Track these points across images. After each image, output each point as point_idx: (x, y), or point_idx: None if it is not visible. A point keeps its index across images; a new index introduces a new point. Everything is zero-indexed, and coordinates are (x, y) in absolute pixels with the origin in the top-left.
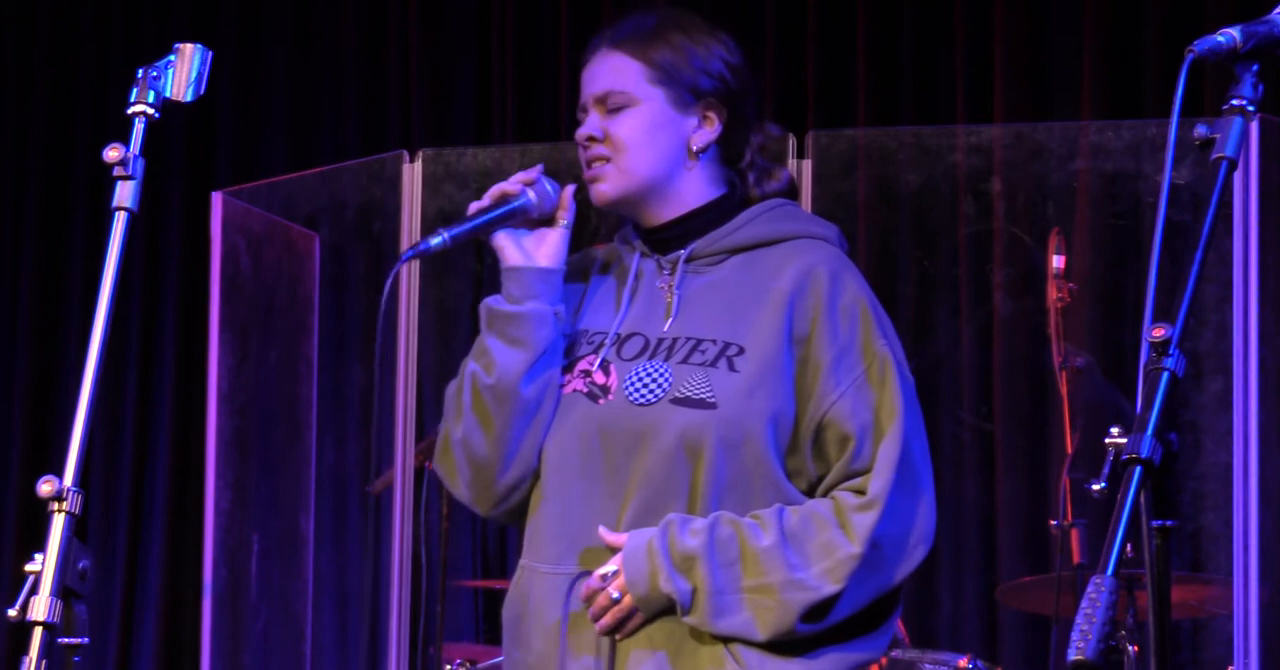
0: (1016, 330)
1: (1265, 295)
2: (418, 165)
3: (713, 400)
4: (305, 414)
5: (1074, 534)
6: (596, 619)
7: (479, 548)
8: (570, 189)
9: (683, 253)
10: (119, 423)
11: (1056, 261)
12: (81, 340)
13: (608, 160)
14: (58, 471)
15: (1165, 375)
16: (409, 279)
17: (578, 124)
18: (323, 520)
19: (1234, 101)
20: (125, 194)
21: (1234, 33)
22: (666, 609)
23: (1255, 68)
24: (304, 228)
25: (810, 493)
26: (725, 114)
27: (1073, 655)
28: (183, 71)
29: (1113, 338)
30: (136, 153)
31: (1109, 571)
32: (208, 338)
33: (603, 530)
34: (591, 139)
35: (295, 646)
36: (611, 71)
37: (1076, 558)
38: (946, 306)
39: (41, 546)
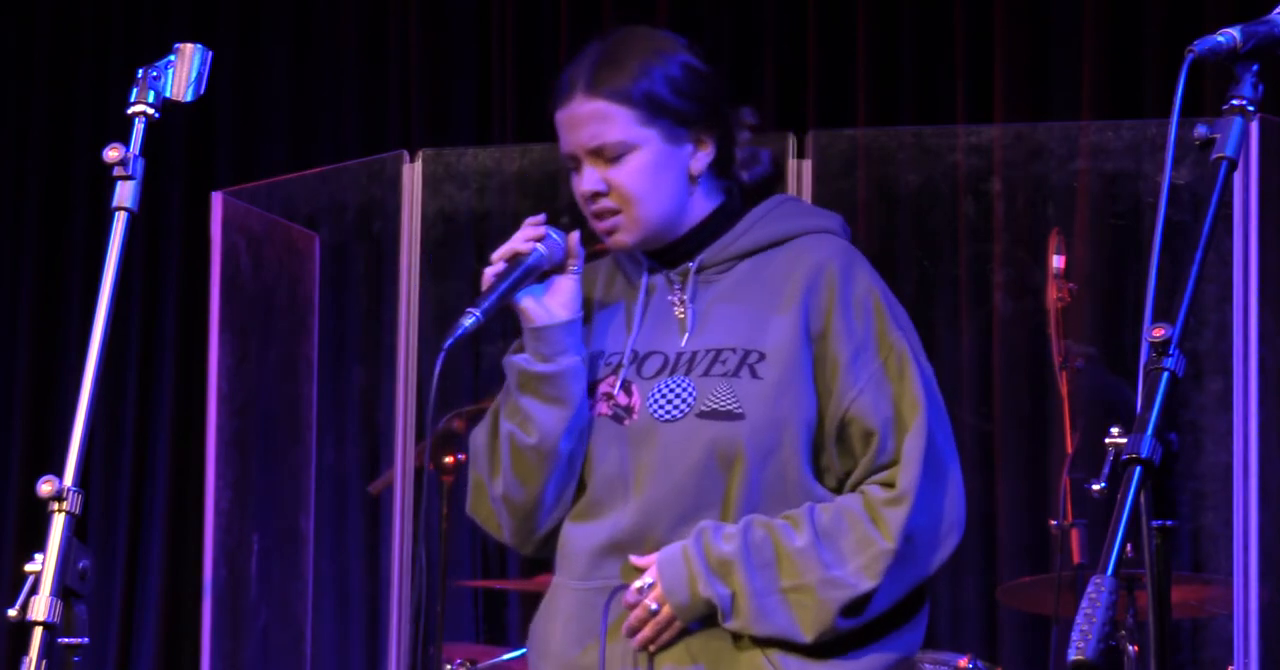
0: (1016, 330)
1: (1265, 295)
2: (418, 165)
3: (740, 410)
4: (305, 414)
5: (1074, 534)
6: (633, 633)
7: (479, 548)
8: (576, 235)
9: (692, 265)
10: (119, 423)
11: (1056, 261)
12: (81, 340)
13: (617, 212)
14: (58, 471)
15: (1165, 375)
16: (409, 279)
17: (566, 171)
18: (323, 520)
19: (1234, 101)
20: (125, 194)
21: (1234, 33)
22: (705, 617)
23: (1255, 68)
24: (304, 228)
25: (839, 489)
26: (716, 133)
27: (1073, 655)
28: (183, 71)
29: (1113, 338)
30: (136, 153)
31: (1109, 571)
32: (208, 338)
33: (633, 557)
34: (597, 195)
35: (295, 646)
36: (598, 121)
37: (1076, 558)
38: (946, 306)
39: (41, 546)
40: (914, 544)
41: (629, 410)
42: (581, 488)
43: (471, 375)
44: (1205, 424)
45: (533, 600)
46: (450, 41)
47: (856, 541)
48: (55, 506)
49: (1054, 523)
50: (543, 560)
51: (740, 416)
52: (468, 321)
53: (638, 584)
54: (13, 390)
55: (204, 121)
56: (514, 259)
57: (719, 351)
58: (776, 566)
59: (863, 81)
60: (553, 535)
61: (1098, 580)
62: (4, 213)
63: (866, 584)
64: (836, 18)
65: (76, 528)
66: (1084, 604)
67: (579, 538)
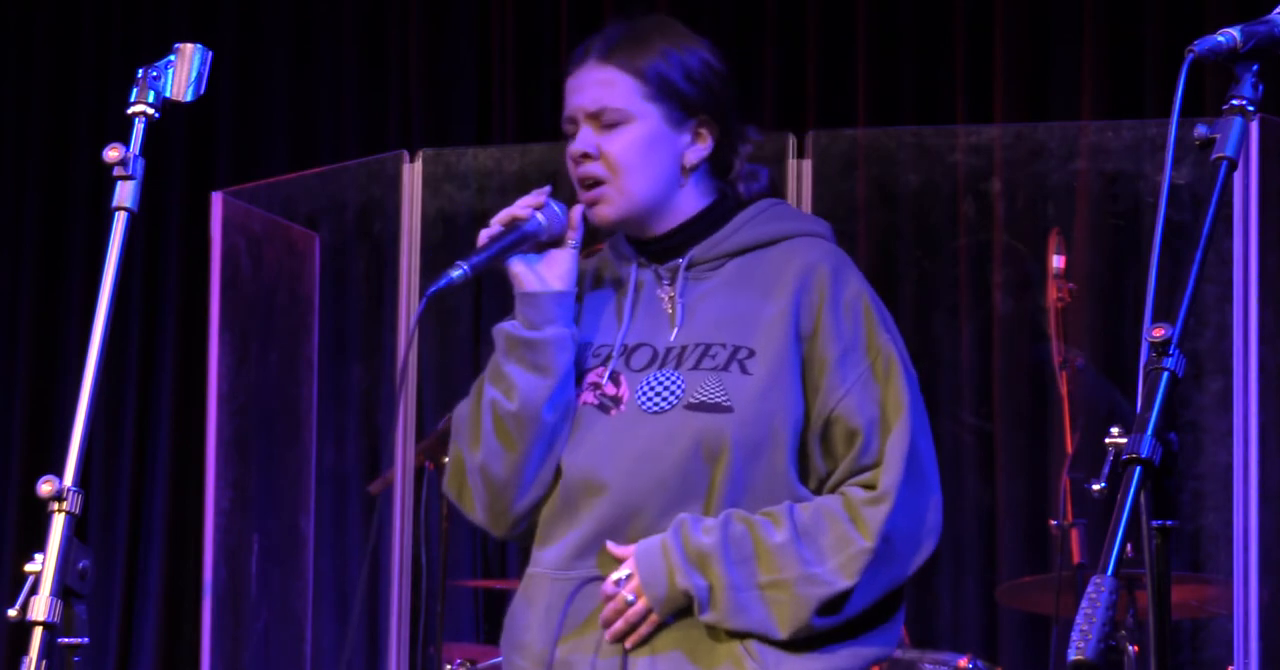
0: (1016, 330)
1: (1265, 295)
2: (418, 165)
3: (728, 404)
4: (305, 414)
5: (1074, 534)
6: (608, 625)
7: (479, 548)
8: (578, 209)
9: (682, 261)
10: (119, 423)
11: (1056, 261)
12: (81, 340)
13: (603, 182)
14: (58, 471)
15: (1165, 375)
16: (409, 279)
17: (564, 135)
18: (323, 520)
19: (1234, 101)
20: (125, 194)
21: (1234, 33)
22: (681, 610)
23: (1255, 68)
24: (304, 228)
25: (818, 491)
26: (717, 130)
27: (1073, 655)
28: (183, 71)
29: (1113, 338)
30: (136, 153)
31: (1109, 571)
32: (208, 338)
33: (610, 544)
34: (586, 156)
35: (295, 646)
36: (604, 86)
37: (1076, 558)
38: (946, 306)
39: (41, 546)
40: (893, 544)
41: (616, 401)
42: (562, 476)
43: (471, 375)
44: (1205, 424)
45: None
46: (450, 41)
47: (835, 540)
48: (55, 506)
49: (1054, 523)
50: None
51: (728, 409)
52: (454, 273)
53: (615, 576)
54: (13, 390)
55: (204, 121)
56: (511, 223)
57: (708, 346)
58: (755, 562)
59: (863, 81)
60: (526, 518)
61: (1098, 580)
62: (4, 213)
63: (843, 582)
64: (836, 18)
65: (76, 528)
66: (1084, 604)
67: (559, 527)
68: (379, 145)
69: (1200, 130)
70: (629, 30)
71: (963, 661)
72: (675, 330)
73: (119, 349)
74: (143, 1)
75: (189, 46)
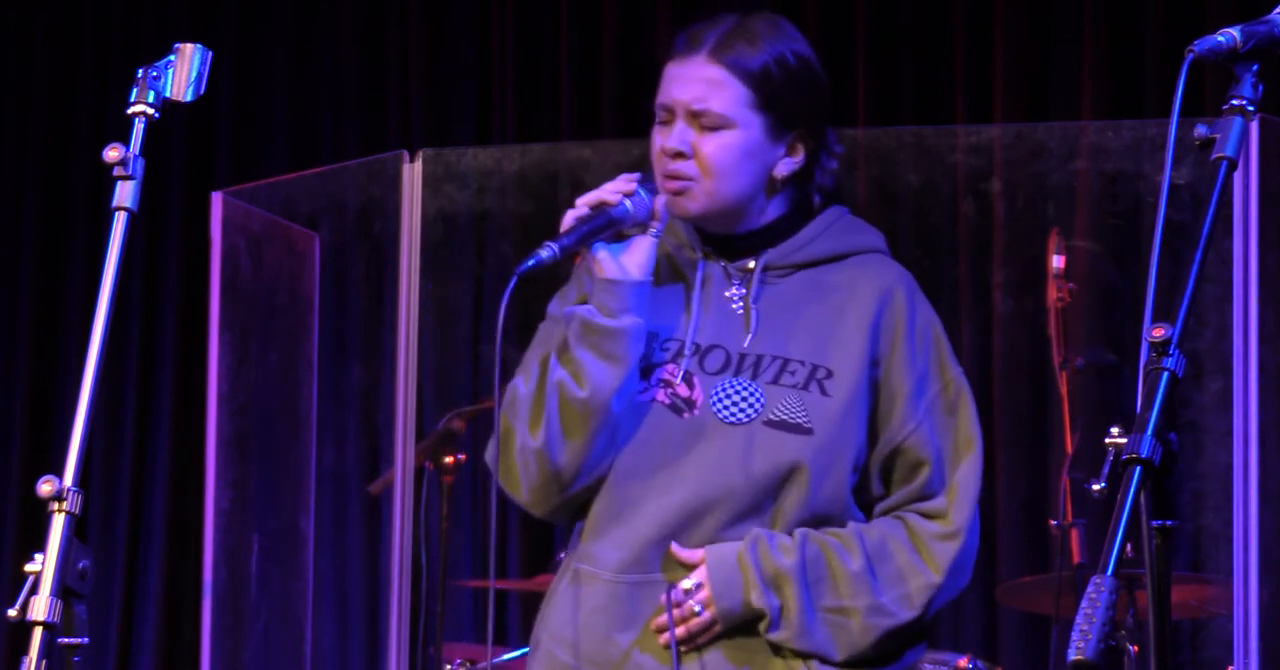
0: (1016, 330)
1: (1265, 295)
2: (418, 165)
3: (809, 426)
4: (305, 414)
5: (1074, 534)
6: (661, 630)
7: (479, 548)
8: (663, 199)
9: (754, 263)
10: (119, 423)
11: (1056, 261)
12: (81, 340)
13: (692, 179)
14: (58, 471)
15: (1165, 375)
16: (409, 279)
17: (655, 119)
18: (323, 520)
19: (1234, 101)
20: (125, 194)
21: (1234, 33)
22: (746, 624)
23: (1255, 68)
24: (304, 228)
25: (867, 510)
26: (811, 145)
27: (1073, 655)
28: (183, 71)
29: (1113, 338)
30: (136, 153)
31: (1109, 571)
32: (208, 338)
33: (676, 547)
34: (679, 154)
35: (295, 646)
36: (711, 86)
37: (1076, 558)
38: (946, 306)
39: (41, 546)
40: (953, 578)
41: (690, 404)
42: (626, 474)
43: (471, 375)
44: (1205, 424)
45: (533, 600)
46: (450, 41)
47: (901, 568)
48: (55, 506)
49: (1054, 523)
50: (542, 559)
51: (808, 431)
52: (544, 253)
53: (686, 584)
54: (13, 390)
55: (204, 121)
56: (599, 207)
57: (786, 361)
58: (829, 585)
59: (863, 81)
60: (570, 503)
61: (1098, 580)
62: (4, 213)
63: (907, 614)
64: (836, 18)
65: (76, 528)
66: (1084, 604)
67: (615, 525)
68: (379, 145)
69: (1200, 130)
70: (743, 29)
71: (963, 661)
72: (750, 336)
73: (119, 349)
74: (143, 1)
75: (189, 46)
